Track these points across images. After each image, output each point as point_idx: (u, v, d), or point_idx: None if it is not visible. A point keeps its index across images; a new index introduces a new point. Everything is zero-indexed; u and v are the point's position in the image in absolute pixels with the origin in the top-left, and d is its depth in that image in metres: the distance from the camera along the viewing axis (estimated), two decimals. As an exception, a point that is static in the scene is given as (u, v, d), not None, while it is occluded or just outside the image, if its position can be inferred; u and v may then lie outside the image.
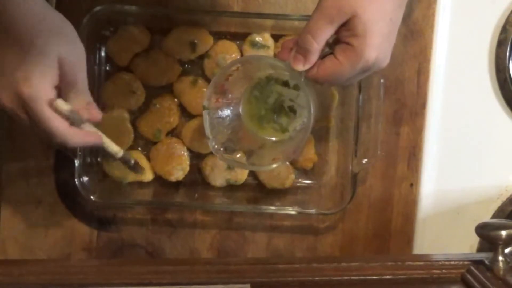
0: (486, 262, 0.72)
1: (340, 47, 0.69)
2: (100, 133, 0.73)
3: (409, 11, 0.87)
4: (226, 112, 0.81)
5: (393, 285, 0.73)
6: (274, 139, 0.83)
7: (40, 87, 0.62)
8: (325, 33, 0.68)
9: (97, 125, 0.87)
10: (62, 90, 0.67)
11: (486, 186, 0.91)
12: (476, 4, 0.89)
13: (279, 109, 0.81)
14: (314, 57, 0.70)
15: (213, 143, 0.79)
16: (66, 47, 0.64)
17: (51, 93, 0.64)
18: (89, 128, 0.69)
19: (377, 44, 0.67)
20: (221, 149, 0.80)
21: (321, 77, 0.71)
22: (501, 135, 0.91)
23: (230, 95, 0.80)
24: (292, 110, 0.81)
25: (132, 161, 0.78)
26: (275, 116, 0.81)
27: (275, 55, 0.86)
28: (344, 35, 0.68)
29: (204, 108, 0.78)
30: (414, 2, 0.86)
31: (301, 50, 0.70)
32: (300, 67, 0.71)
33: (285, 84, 0.79)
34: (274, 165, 0.80)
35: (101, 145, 0.73)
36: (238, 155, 0.83)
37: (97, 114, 0.70)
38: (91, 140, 0.70)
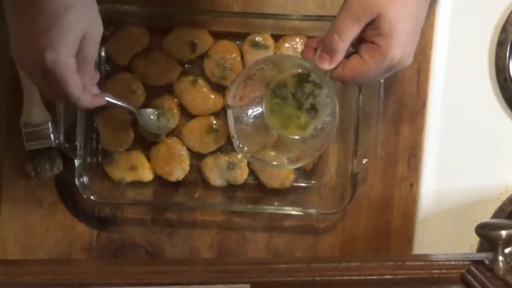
0: (486, 262, 0.72)
1: (365, 46, 0.69)
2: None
3: (409, 11, 0.87)
4: (250, 110, 0.82)
5: (393, 285, 0.73)
6: (296, 137, 0.83)
7: (63, 54, 0.65)
8: (351, 32, 0.69)
9: (97, 123, 0.88)
10: (77, 61, 0.69)
11: (486, 186, 0.91)
12: (476, 4, 0.89)
13: (301, 108, 0.81)
14: (340, 56, 0.70)
15: (238, 142, 0.79)
16: (90, 22, 0.67)
17: (72, 61, 0.67)
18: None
19: (402, 43, 0.68)
20: (246, 148, 0.80)
21: (347, 76, 0.71)
22: (501, 135, 0.91)
23: (253, 94, 0.81)
24: (314, 109, 0.81)
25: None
26: (297, 114, 0.82)
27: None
28: (370, 34, 0.68)
29: (228, 107, 0.79)
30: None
31: (327, 49, 0.70)
32: (326, 66, 0.71)
33: (307, 82, 0.80)
34: (300, 164, 0.81)
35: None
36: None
37: (96, 97, 0.75)
38: (98, 103, 0.75)
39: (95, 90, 0.74)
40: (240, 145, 0.80)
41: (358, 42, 0.70)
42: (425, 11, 0.70)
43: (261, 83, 0.81)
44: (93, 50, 0.69)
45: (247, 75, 0.78)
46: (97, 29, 0.68)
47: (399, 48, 0.68)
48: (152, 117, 0.86)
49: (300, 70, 0.79)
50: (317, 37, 0.73)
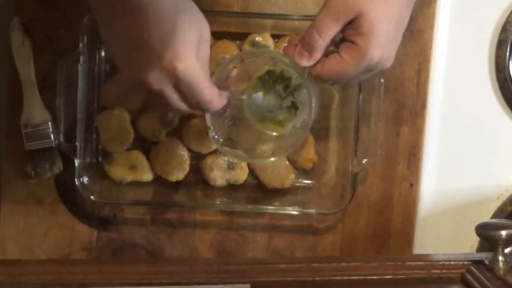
0: (486, 262, 0.72)
1: (345, 45, 0.69)
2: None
3: (409, 11, 0.87)
4: (229, 103, 0.82)
5: (393, 285, 0.73)
6: (273, 133, 0.83)
7: (190, 61, 0.64)
8: (331, 30, 0.68)
9: (97, 123, 0.88)
10: None
11: (486, 186, 0.91)
12: (476, 4, 0.89)
13: (281, 104, 0.81)
14: (318, 54, 0.70)
15: (213, 134, 0.79)
16: (200, 24, 0.65)
17: (200, 67, 0.65)
18: None
19: (382, 44, 0.68)
20: (221, 140, 0.80)
21: (324, 74, 0.71)
22: (501, 135, 0.91)
23: (233, 88, 0.81)
24: (294, 107, 0.81)
25: None
26: (277, 111, 0.82)
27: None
28: (350, 33, 0.68)
29: None
30: (414, 2, 0.86)
31: (306, 45, 0.70)
32: (304, 62, 0.71)
33: (289, 80, 0.80)
34: (272, 159, 0.81)
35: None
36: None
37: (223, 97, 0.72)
38: (223, 101, 0.72)
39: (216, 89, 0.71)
40: (216, 136, 0.80)
41: (341, 42, 0.70)
42: (408, 15, 0.70)
43: (243, 77, 0.80)
44: (207, 52, 0.67)
45: (228, 67, 0.78)
46: (206, 30, 0.66)
47: (379, 49, 0.68)
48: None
49: (285, 67, 0.79)
50: (301, 35, 0.72)
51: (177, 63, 0.63)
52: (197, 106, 0.69)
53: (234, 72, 0.78)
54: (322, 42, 0.69)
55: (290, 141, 0.81)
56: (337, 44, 0.70)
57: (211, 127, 0.79)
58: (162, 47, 0.63)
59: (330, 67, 0.70)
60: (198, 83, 0.66)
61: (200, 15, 0.66)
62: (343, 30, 0.69)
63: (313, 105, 0.75)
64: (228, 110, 0.82)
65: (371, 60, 0.68)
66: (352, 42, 0.68)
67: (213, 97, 0.68)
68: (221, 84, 0.78)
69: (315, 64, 0.71)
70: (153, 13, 0.62)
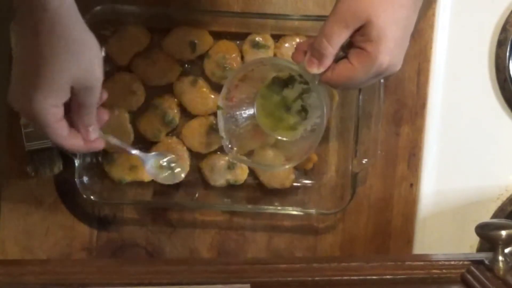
0: (486, 262, 0.72)
1: (354, 51, 0.69)
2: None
3: (409, 11, 0.87)
4: (240, 112, 0.82)
5: (393, 285, 0.73)
6: (285, 139, 0.83)
7: (42, 107, 0.66)
8: (340, 37, 0.69)
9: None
10: (72, 106, 0.70)
11: (486, 186, 0.91)
12: (476, 4, 0.89)
13: (291, 109, 0.82)
14: (328, 61, 0.71)
15: (227, 143, 0.79)
16: (80, 72, 0.66)
17: (54, 111, 0.67)
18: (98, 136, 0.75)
19: (391, 49, 0.68)
20: (235, 148, 0.80)
21: (335, 80, 0.71)
22: (501, 135, 0.91)
23: (244, 95, 0.81)
24: (304, 110, 0.81)
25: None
26: (287, 116, 0.82)
27: (275, 55, 0.87)
28: (359, 40, 0.69)
29: (218, 107, 0.79)
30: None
31: (316, 53, 0.71)
32: (315, 70, 0.71)
33: (293, 84, 0.80)
34: (288, 166, 0.82)
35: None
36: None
37: (92, 142, 0.74)
38: (94, 147, 0.74)
39: (94, 134, 0.73)
40: (230, 146, 0.80)
41: (349, 47, 0.70)
42: (415, 18, 0.70)
43: (252, 85, 0.81)
44: (88, 98, 0.69)
45: (238, 76, 0.78)
46: (90, 78, 0.67)
47: (387, 54, 0.68)
48: (160, 164, 0.84)
49: (293, 73, 0.79)
50: (307, 40, 0.73)
51: (28, 106, 0.66)
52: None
53: (245, 79, 0.79)
54: (331, 49, 0.70)
55: (304, 145, 0.81)
56: (344, 48, 0.71)
57: (224, 137, 0.79)
58: (29, 83, 0.65)
59: (340, 73, 0.71)
60: (46, 126, 0.68)
61: (86, 64, 0.67)
62: (351, 36, 0.69)
63: (325, 109, 0.75)
64: (240, 118, 0.82)
65: (380, 66, 0.68)
66: (361, 48, 0.68)
67: (64, 141, 0.70)
68: (229, 93, 0.79)
69: (326, 71, 0.72)
70: (42, 49, 0.64)
